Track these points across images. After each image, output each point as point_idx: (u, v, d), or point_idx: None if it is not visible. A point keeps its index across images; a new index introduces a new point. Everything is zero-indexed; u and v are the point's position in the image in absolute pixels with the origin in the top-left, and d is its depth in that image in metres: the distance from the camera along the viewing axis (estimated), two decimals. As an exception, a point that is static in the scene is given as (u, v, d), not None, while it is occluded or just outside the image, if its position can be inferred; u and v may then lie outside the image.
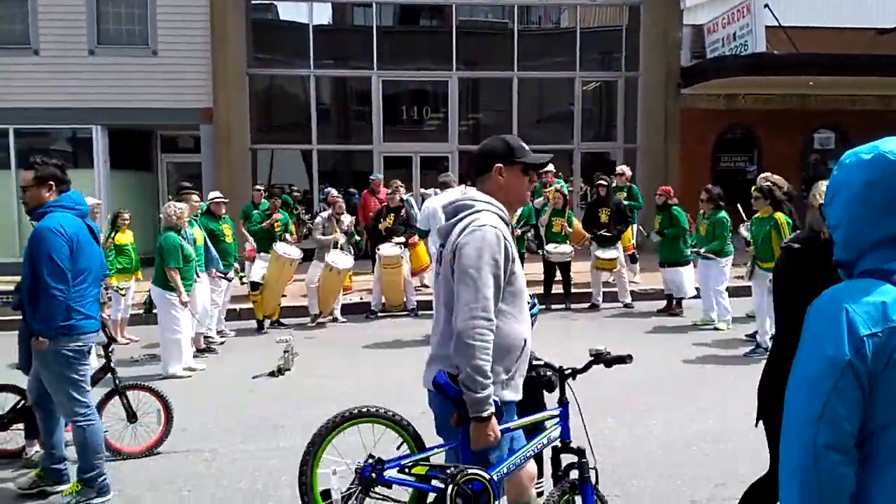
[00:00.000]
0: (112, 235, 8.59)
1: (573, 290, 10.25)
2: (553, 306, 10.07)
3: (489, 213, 2.58)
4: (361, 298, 10.24)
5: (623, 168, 11.54)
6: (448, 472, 2.54)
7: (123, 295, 8.54)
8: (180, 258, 6.98)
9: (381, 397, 6.02)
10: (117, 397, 4.91)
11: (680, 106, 15.14)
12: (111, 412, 4.90)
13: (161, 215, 7.29)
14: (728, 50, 14.34)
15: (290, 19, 15.56)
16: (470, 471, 2.51)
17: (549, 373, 2.96)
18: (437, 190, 10.12)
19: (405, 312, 9.92)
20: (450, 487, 2.48)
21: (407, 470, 2.69)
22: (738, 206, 8.98)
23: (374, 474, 2.68)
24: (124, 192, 14.37)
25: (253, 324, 9.27)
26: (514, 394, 2.65)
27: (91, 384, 4.85)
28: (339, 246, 9.39)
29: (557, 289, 10.20)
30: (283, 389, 6.39)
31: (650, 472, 4.39)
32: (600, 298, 10.13)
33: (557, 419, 2.91)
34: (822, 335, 1.44)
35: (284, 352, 7.08)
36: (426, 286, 11.02)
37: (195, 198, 8.26)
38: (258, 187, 11.19)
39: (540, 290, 10.21)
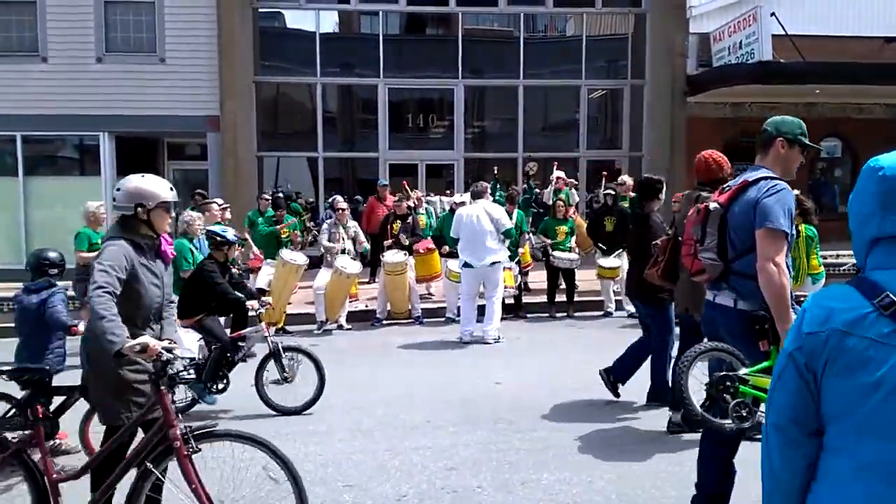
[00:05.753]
0: None
1: (577, 299, 10.19)
2: (557, 314, 10.04)
3: None
4: (367, 306, 10.23)
5: (625, 178, 11.31)
6: None
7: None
8: (192, 263, 7.02)
9: (388, 405, 6.03)
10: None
11: (686, 114, 15.13)
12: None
13: (183, 221, 7.34)
14: (734, 58, 14.31)
15: (296, 27, 15.63)
16: None
17: None
18: (460, 198, 10.08)
19: (410, 320, 9.90)
20: None
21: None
22: None
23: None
24: (131, 199, 14.43)
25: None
26: None
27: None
28: (346, 252, 9.41)
29: (560, 297, 10.17)
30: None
31: (656, 481, 4.36)
32: (612, 306, 10.02)
33: None
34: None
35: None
36: (432, 294, 11.00)
37: (214, 207, 8.32)
38: (266, 196, 11.21)
39: (544, 297, 10.21)
